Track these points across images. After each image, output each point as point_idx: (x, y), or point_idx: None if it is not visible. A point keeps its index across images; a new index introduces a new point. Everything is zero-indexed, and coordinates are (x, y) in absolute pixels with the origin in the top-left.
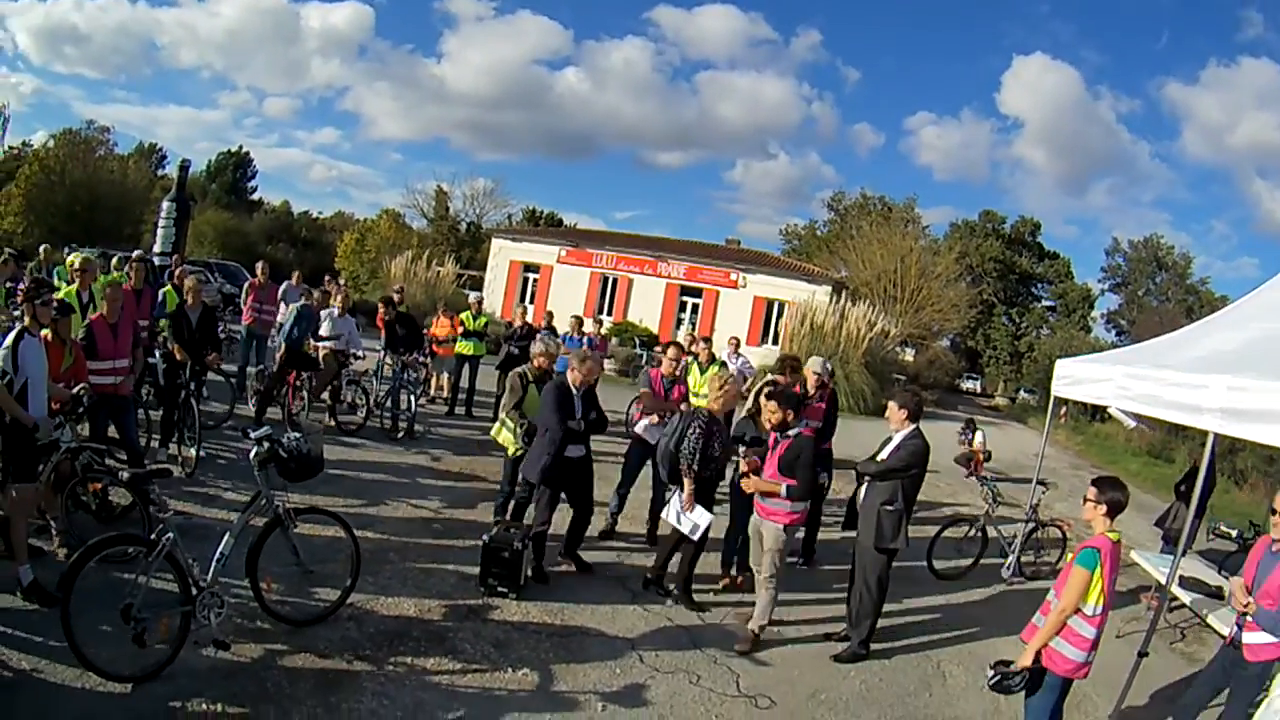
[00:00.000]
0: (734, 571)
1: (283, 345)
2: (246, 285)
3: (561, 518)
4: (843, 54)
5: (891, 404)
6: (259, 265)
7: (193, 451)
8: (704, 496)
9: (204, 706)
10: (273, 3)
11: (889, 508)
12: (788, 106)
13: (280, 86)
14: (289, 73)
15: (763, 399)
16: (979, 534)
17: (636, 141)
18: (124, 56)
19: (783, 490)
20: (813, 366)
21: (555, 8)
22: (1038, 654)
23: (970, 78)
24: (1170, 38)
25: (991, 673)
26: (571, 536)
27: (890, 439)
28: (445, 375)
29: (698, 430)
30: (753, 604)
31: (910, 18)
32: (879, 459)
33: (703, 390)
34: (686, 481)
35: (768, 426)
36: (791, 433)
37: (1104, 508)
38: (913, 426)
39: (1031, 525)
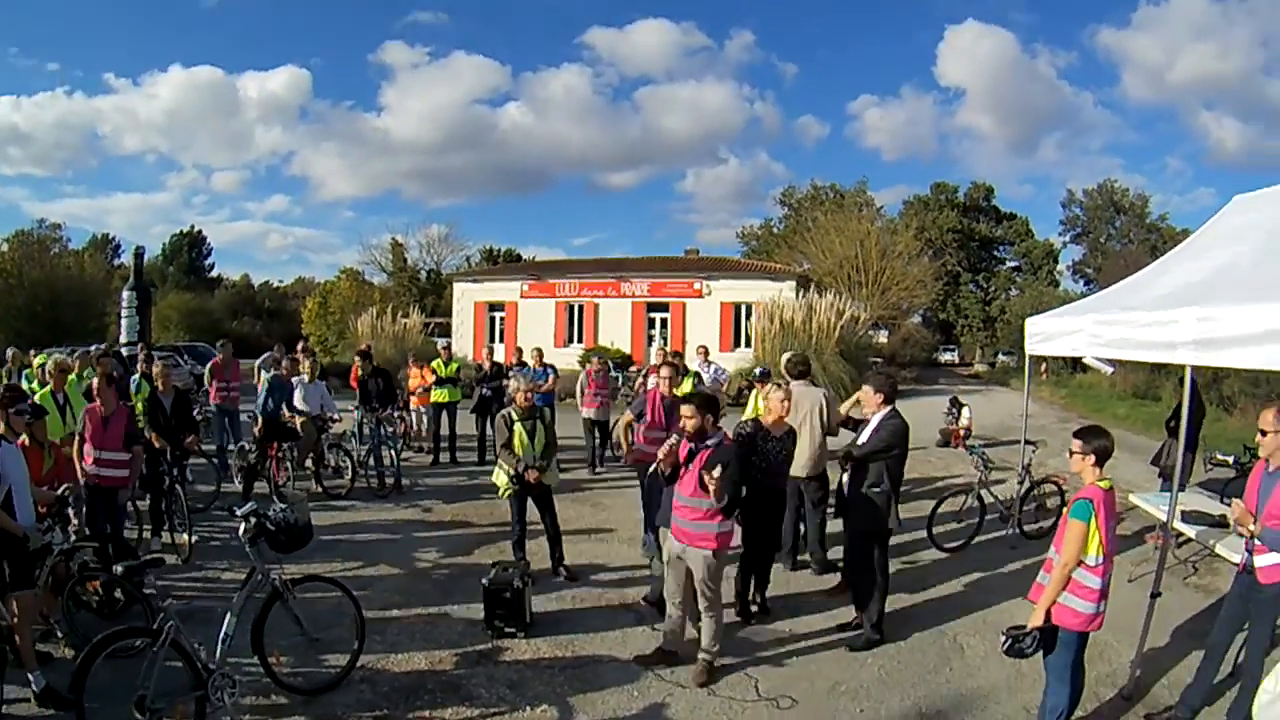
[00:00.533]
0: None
1: (260, 419)
2: (210, 365)
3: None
4: (777, 50)
5: (865, 388)
6: (219, 344)
7: (185, 537)
8: (747, 511)
9: None
10: (208, 77)
11: (876, 489)
12: (730, 110)
13: (226, 160)
14: (233, 145)
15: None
16: (976, 501)
17: (586, 167)
18: (68, 150)
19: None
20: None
21: (489, 45)
22: (1048, 613)
23: (905, 55)
24: None
25: (1004, 639)
26: None
27: (868, 423)
28: (423, 425)
29: (742, 440)
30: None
31: (838, 2)
32: (859, 443)
33: None
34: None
35: (686, 433)
36: (711, 441)
37: (1091, 457)
38: (889, 408)
39: (1026, 485)
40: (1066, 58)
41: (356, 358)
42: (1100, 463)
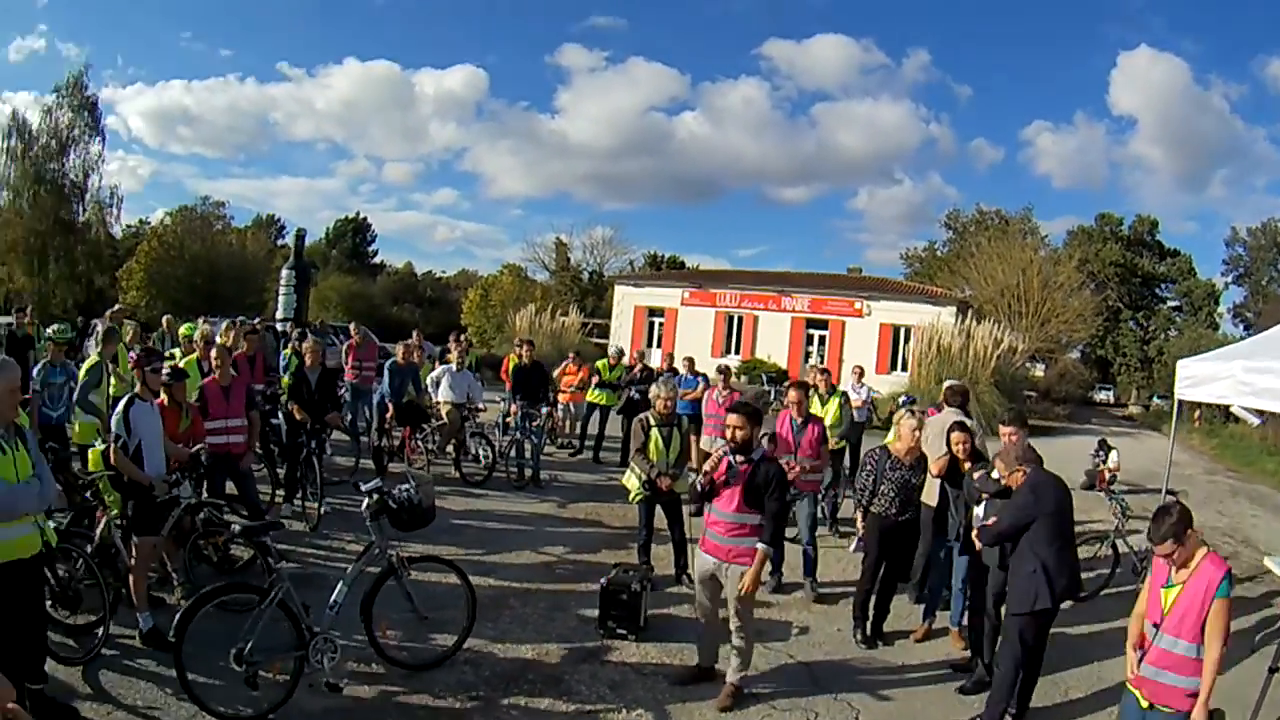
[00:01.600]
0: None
1: (389, 404)
2: (345, 345)
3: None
4: (952, 71)
5: (1004, 428)
6: (352, 326)
7: (316, 506)
8: (877, 538)
9: None
10: (385, 72)
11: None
12: (905, 129)
13: (397, 152)
14: (406, 138)
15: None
16: (1110, 550)
17: (758, 179)
18: (239, 134)
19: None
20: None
21: (667, 53)
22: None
23: (1079, 80)
24: (1264, 11)
25: None
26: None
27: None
28: (570, 421)
29: (870, 466)
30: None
31: (1012, 25)
32: (993, 476)
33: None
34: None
35: (729, 445)
36: (755, 455)
37: (1190, 532)
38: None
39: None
40: (1237, 89)
41: (517, 347)
42: (1187, 529)
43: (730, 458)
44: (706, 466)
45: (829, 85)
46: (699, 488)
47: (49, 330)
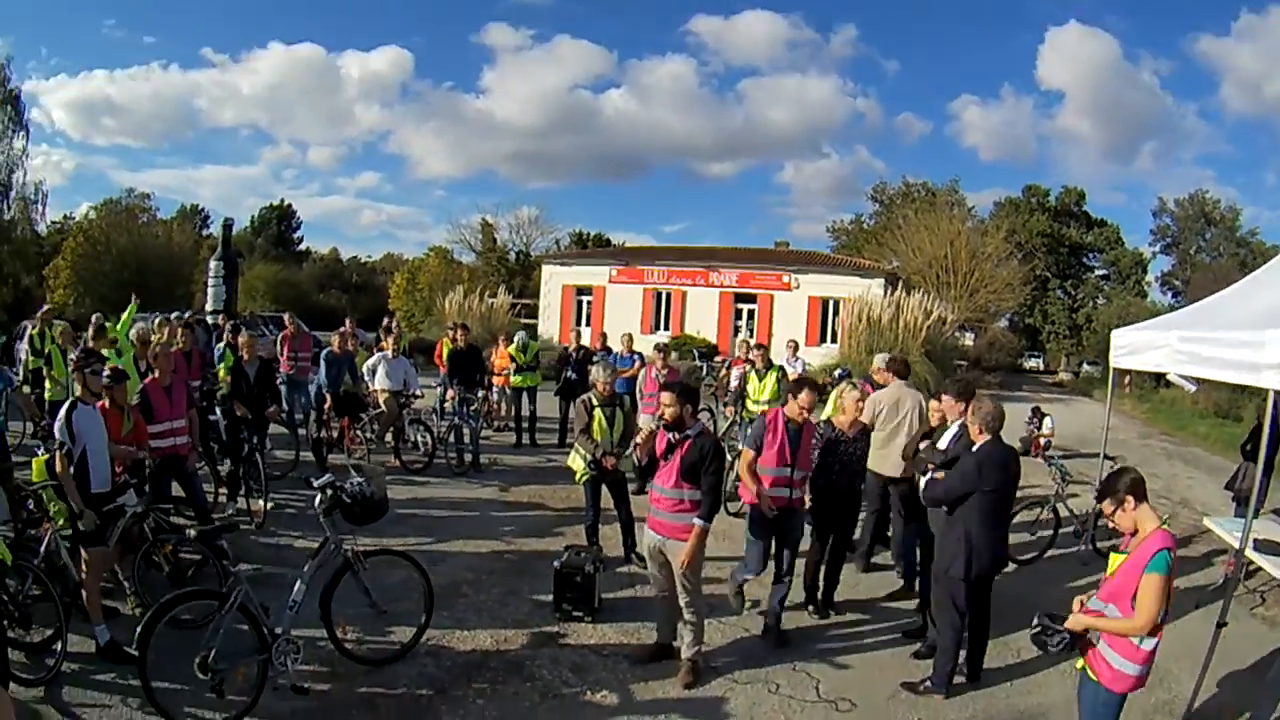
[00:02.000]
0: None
1: (326, 395)
2: (280, 336)
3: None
4: (879, 45)
5: (945, 397)
6: (286, 316)
7: (261, 503)
8: (824, 511)
9: None
10: (310, 55)
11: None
12: (832, 104)
13: (322, 136)
14: (331, 122)
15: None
16: (1051, 514)
17: (685, 155)
18: (164, 123)
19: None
20: (877, 363)
21: (594, 30)
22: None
23: (1007, 55)
24: None
25: (1035, 623)
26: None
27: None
28: (505, 404)
29: (815, 440)
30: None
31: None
32: (939, 446)
33: (762, 397)
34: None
35: (660, 422)
36: (691, 431)
37: (1130, 499)
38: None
39: (1099, 508)
40: (1166, 65)
41: (450, 330)
42: (1140, 498)
43: (669, 435)
44: (639, 440)
45: (757, 61)
46: (636, 462)
47: None
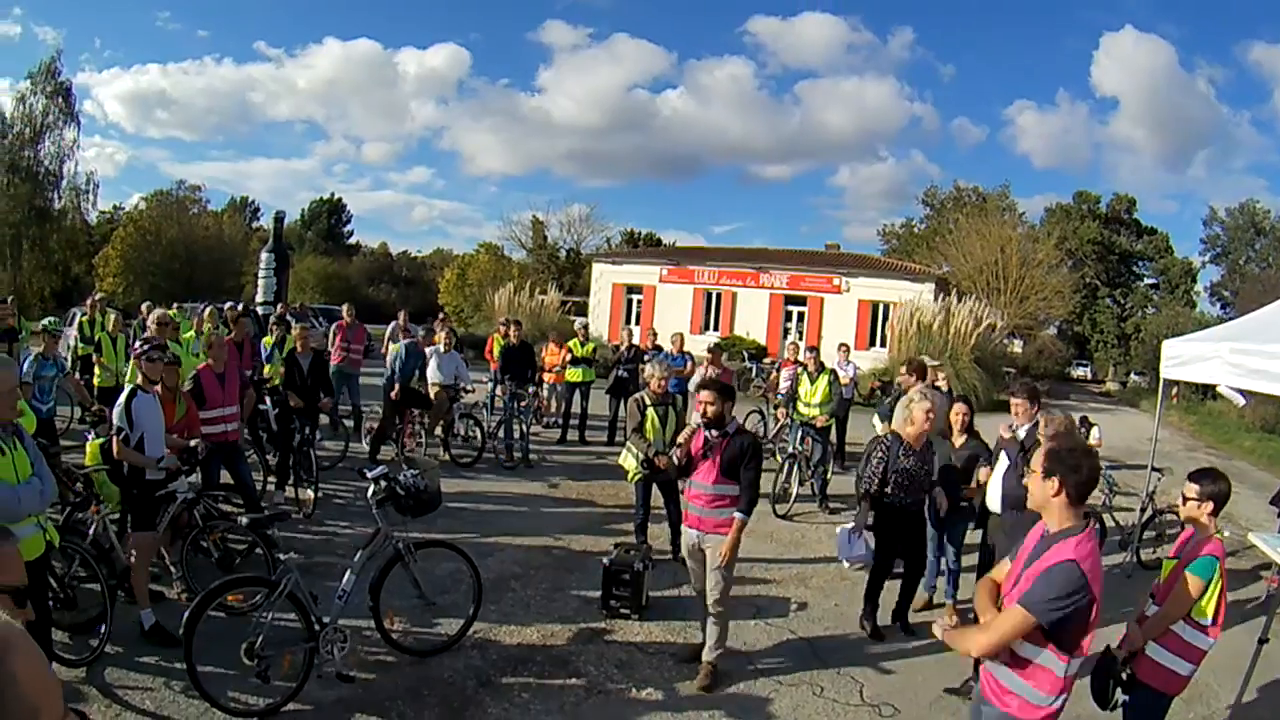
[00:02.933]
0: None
1: (396, 385)
2: (334, 326)
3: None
4: (936, 49)
5: (1015, 399)
6: (344, 307)
7: (310, 493)
8: (887, 529)
9: None
10: (367, 50)
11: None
12: (888, 108)
13: (377, 132)
14: (387, 117)
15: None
16: (1096, 525)
17: (741, 157)
18: (218, 116)
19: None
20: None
21: (651, 30)
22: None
23: (1062, 60)
24: None
25: (1095, 675)
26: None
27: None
28: (556, 401)
29: (880, 453)
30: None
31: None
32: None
33: (813, 400)
34: (862, 506)
35: (703, 420)
36: (730, 429)
37: (1209, 504)
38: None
39: (1149, 513)
40: (1219, 72)
41: (501, 326)
42: (1217, 510)
43: (706, 432)
44: (680, 439)
45: (814, 63)
46: (675, 461)
47: (44, 322)
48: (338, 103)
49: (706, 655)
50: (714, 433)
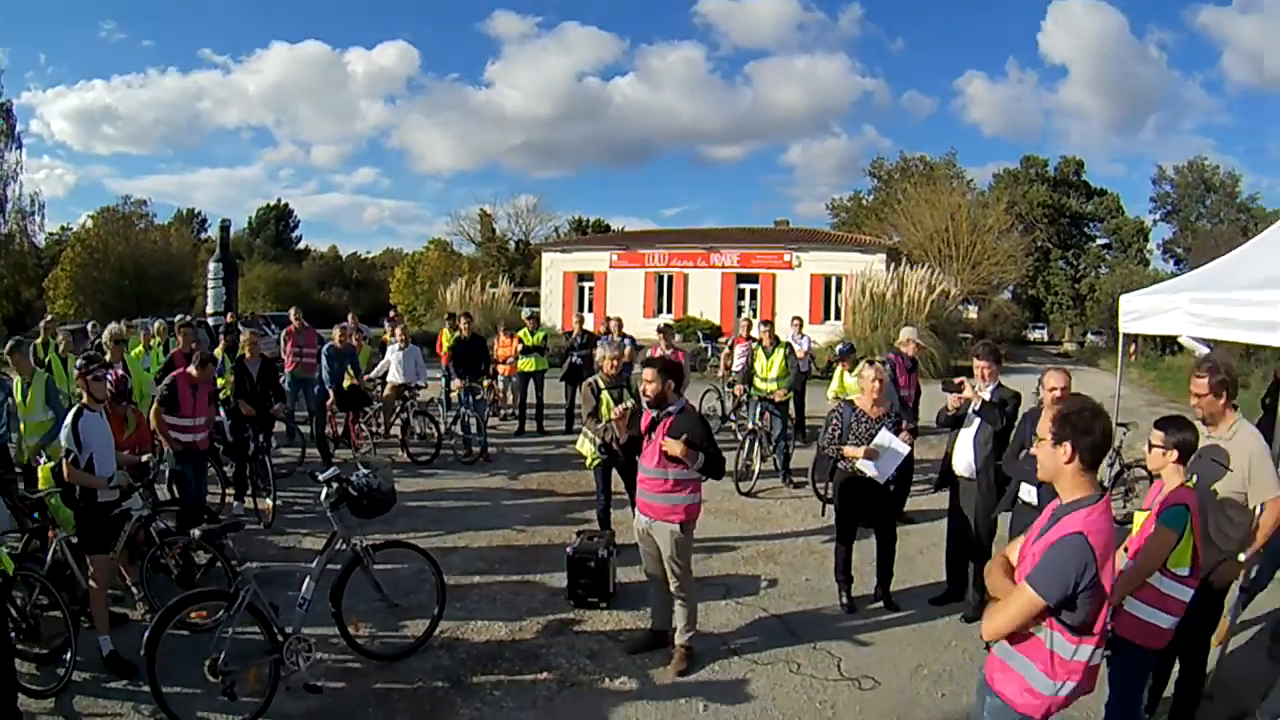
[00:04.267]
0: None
1: (329, 391)
2: (284, 332)
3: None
4: (885, 23)
5: (979, 361)
6: (292, 311)
7: (269, 502)
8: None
9: None
10: (316, 53)
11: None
12: (839, 84)
13: (326, 134)
14: (337, 119)
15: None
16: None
17: (693, 140)
18: (164, 128)
19: (698, 462)
20: (910, 337)
21: (602, 17)
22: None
23: (1010, 29)
24: None
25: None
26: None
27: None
28: (511, 393)
29: (834, 422)
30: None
31: None
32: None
33: (770, 374)
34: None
35: (645, 399)
36: (672, 408)
37: (1174, 452)
38: (997, 381)
39: (1116, 469)
40: (1169, 36)
41: (449, 320)
42: (1184, 458)
43: (652, 413)
44: (613, 416)
45: (766, 42)
46: (615, 441)
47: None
48: (286, 107)
49: (679, 639)
50: (656, 412)
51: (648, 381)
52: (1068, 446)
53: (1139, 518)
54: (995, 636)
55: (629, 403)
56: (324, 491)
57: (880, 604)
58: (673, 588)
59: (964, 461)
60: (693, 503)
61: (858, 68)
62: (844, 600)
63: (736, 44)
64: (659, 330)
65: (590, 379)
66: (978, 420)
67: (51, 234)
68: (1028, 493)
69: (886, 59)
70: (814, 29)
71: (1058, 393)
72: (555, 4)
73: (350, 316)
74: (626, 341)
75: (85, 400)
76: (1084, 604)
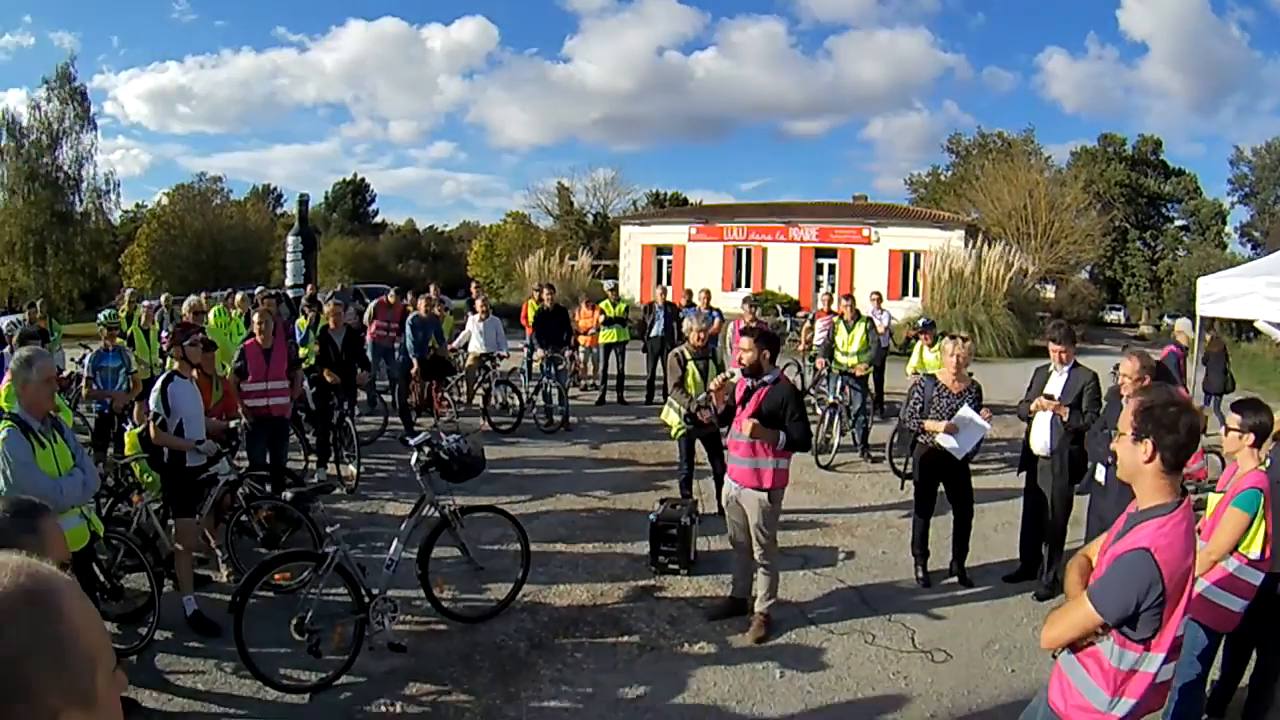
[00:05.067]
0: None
1: (414, 360)
2: (375, 303)
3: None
4: None
5: (1054, 345)
6: (392, 289)
7: (352, 468)
8: (931, 476)
9: (384, 708)
10: (393, 29)
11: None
12: (921, 59)
13: (404, 110)
14: (414, 95)
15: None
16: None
17: (773, 113)
18: (239, 106)
19: (781, 440)
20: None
21: None
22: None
23: (1092, 5)
24: None
25: None
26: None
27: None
28: (593, 364)
29: (917, 394)
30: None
31: None
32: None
33: (851, 349)
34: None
35: (739, 367)
36: (768, 378)
37: (1250, 435)
38: (1073, 360)
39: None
40: (1249, 14)
41: (535, 292)
42: (1259, 443)
43: (748, 381)
44: (713, 386)
45: (848, 16)
46: (714, 411)
47: (100, 316)
48: (364, 83)
49: (759, 606)
50: (752, 381)
51: (744, 350)
52: (1149, 444)
53: (1212, 500)
54: (1053, 645)
55: (729, 373)
56: (415, 455)
57: (955, 579)
58: (756, 555)
59: (1040, 441)
60: (781, 469)
61: (939, 42)
62: (920, 574)
63: (818, 18)
64: (744, 302)
65: (677, 349)
66: (1057, 399)
67: (127, 211)
68: (1100, 473)
69: (967, 34)
70: (895, 3)
71: (1135, 380)
72: None
73: (433, 287)
74: (714, 315)
75: (177, 367)
76: (1149, 621)
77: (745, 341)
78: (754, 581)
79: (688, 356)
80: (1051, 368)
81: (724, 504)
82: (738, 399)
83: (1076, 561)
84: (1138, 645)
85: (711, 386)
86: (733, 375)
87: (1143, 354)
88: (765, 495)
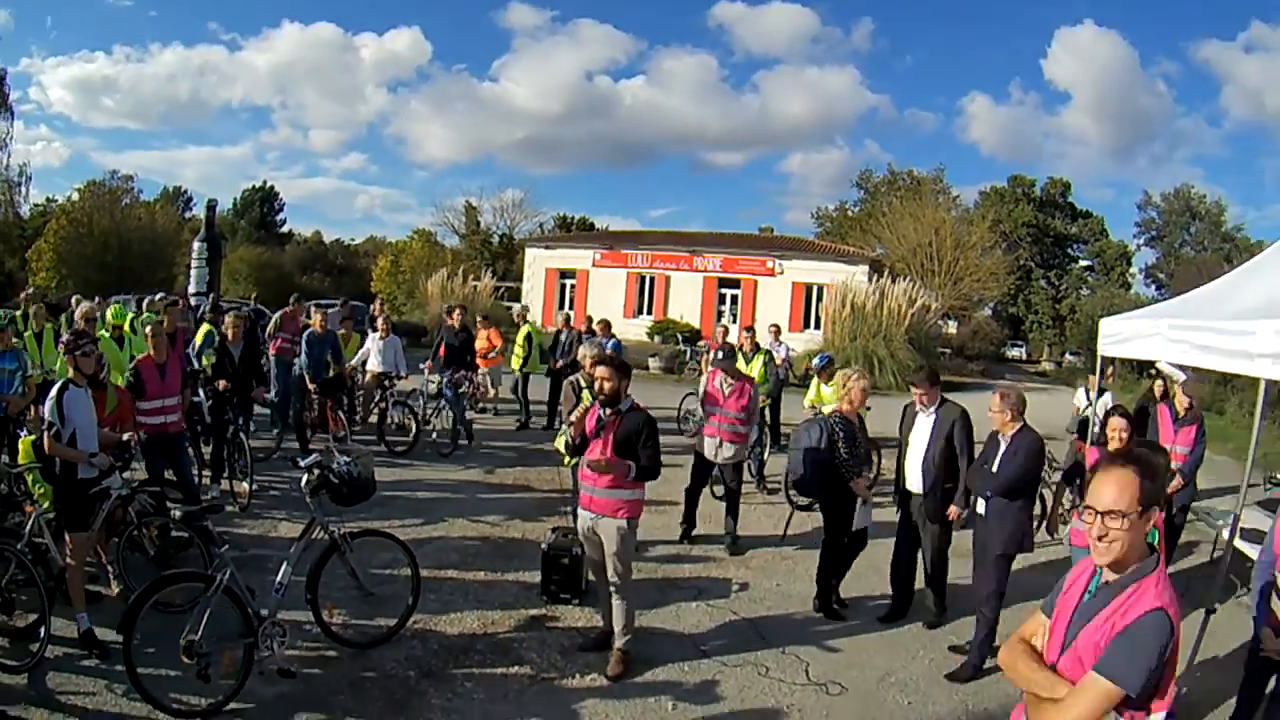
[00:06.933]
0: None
1: (306, 378)
2: (279, 314)
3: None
4: (894, 39)
5: (916, 388)
6: (292, 296)
7: (245, 485)
8: (845, 502)
9: None
10: (328, 35)
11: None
12: (847, 97)
13: (325, 118)
14: (338, 103)
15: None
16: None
17: (695, 144)
18: (164, 103)
19: (631, 470)
20: (1179, 383)
21: (616, 15)
22: None
23: (1017, 53)
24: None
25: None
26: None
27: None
28: (490, 386)
29: (841, 434)
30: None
31: None
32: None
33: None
34: (858, 484)
35: (600, 396)
36: (624, 406)
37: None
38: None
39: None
40: (1172, 67)
41: (447, 314)
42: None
43: (600, 410)
44: (573, 417)
45: (779, 51)
46: (569, 440)
47: None
48: (291, 88)
49: (617, 642)
50: (608, 411)
51: (604, 379)
52: (1155, 510)
53: None
54: None
55: (588, 402)
56: (305, 477)
57: (848, 609)
58: (611, 586)
59: (914, 479)
60: (636, 499)
61: (866, 82)
62: (826, 604)
63: (751, 51)
64: (597, 323)
65: (573, 377)
66: (926, 439)
67: (37, 205)
68: (980, 505)
69: (894, 75)
70: (828, 40)
71: (999, 414)
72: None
73: (342, 300)
74: (610, 342)
75: (71, 375)
76: (1162, 683)
77: (603, 370)
78: (611, 613)
79: (583, 384)
80: (918, 408)
81: (581, 535)
82: (588, 429)
83: (1019, 649)
84: (1140, 712)
85: (573, 417)
86: (587, 406)
87: (1005, 391)
88: (624, 524)
